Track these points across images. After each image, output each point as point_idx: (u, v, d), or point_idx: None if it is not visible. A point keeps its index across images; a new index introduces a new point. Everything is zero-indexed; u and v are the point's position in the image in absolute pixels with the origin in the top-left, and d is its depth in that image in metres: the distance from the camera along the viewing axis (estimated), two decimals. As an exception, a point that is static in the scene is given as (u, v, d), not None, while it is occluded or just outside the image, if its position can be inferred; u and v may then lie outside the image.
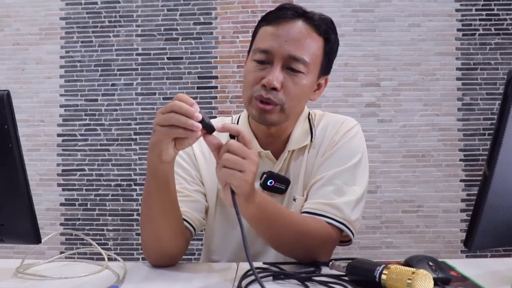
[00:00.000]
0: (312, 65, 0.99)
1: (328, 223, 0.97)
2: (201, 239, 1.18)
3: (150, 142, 0.82)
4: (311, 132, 1.08)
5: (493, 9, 2.64)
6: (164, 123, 0.77)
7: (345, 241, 1.05)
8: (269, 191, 1.05)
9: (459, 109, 2.65)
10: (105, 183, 2.72)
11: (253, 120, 1.06)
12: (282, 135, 1.08)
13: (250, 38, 1.07)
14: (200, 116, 0.76)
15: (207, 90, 2.70)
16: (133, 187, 2.71)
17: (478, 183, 0.74)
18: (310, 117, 1.12)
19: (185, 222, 0.99)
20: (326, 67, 1.05)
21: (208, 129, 0.78)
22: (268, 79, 0.96)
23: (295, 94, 0.98)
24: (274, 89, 0.96)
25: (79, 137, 2.73)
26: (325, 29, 1.01)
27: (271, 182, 1.04)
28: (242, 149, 0.77)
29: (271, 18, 1.01)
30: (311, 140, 1.07)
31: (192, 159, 1.09)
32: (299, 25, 0.98)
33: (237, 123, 1.12)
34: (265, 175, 1.04)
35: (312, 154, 1.07)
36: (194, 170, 1.08)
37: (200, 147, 1.09)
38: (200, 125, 0.76)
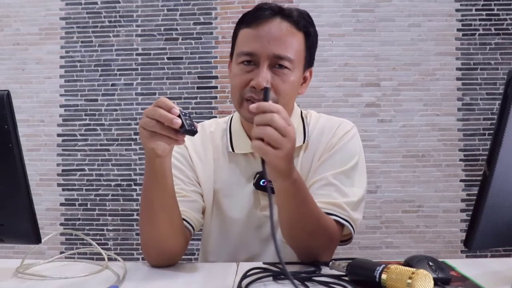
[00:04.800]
0: (296, 61, 1.00)
1: (333, 220, 0.96)
2: (201, 239, 1.18)
3: (141, 140, 0.84)
4: (304, 133, 1.08)
5: (493, 9, 2.64)
6: (148, 128, 0.79)
7: (344, 240, 1.05)
8: (262, 191, 1.05)
9: (459, 109, 2.65)
10: (105, 183, 2.72)
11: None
12: None
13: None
14: (179, 123, 0.76)
15: (207, 90, 2.69)
16: (133, 187, 2.71)
17: (478, 183, 0.73)
18: (303, 117, 1.11)
19: (184, 222, 0.99)
20: (309, 60, 1.06)
21: (189, 133, 0.78)
22: (257, 81, 0.96)
23: (285, 91, 0.99)
24: None
25: (79, 137, 2.73)
26: (304, 24, 1.01)
27: (263, 182, 1.04)
28: (285, 127, 0.77)
29: (250, 19, 1.01)
30: (304, 141, 1.07)
31: (187, 160, 1.09)
32: (278, 24, 0.99)
33: (230, 124, 1.12)
34: (257, 175, 1.04)
35: (307, 157, 1.07)
36: (190, 171, 1.08)
37: (194, 148, 1.10)
38: (183, 137, 0.79)
